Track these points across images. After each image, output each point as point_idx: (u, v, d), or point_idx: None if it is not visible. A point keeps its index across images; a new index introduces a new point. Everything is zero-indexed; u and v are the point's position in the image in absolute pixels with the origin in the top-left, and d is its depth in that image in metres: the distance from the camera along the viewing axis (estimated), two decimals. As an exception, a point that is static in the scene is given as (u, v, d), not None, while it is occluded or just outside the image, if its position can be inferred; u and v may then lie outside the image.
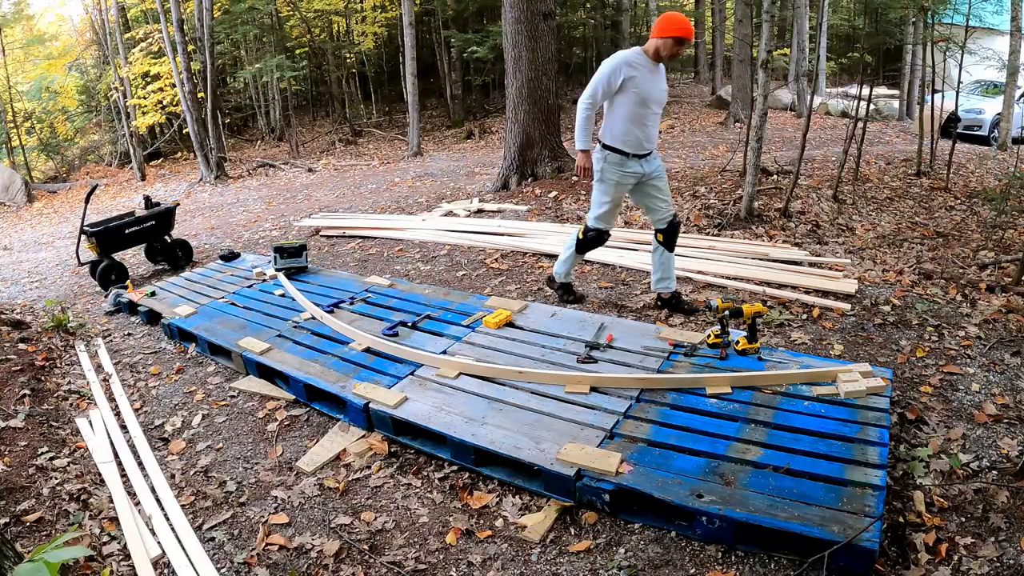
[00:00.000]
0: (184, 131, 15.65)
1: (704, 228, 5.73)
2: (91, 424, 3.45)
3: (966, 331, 3.68)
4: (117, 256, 6.07)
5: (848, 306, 4.05)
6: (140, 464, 3.06)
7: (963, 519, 2.33)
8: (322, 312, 4.22)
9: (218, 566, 2.41)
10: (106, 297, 5.56)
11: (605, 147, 3.81)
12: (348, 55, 19.74)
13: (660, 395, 2.98)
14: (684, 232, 5.67)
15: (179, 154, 18.48)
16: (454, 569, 2.34)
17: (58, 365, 4.29)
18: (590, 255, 5.22)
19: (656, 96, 3.72)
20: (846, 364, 3.02)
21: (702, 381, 3.01)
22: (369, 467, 2.94)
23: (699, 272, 4.71)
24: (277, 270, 5.22)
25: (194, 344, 4.35)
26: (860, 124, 7.27)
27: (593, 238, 4.05)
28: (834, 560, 2.05)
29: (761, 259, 4.89)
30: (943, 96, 8.86)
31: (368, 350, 3.69)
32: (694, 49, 22.98)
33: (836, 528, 2.09)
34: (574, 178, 7.48)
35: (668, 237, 3.96)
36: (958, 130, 9.18)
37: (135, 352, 4.50)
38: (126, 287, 5.50)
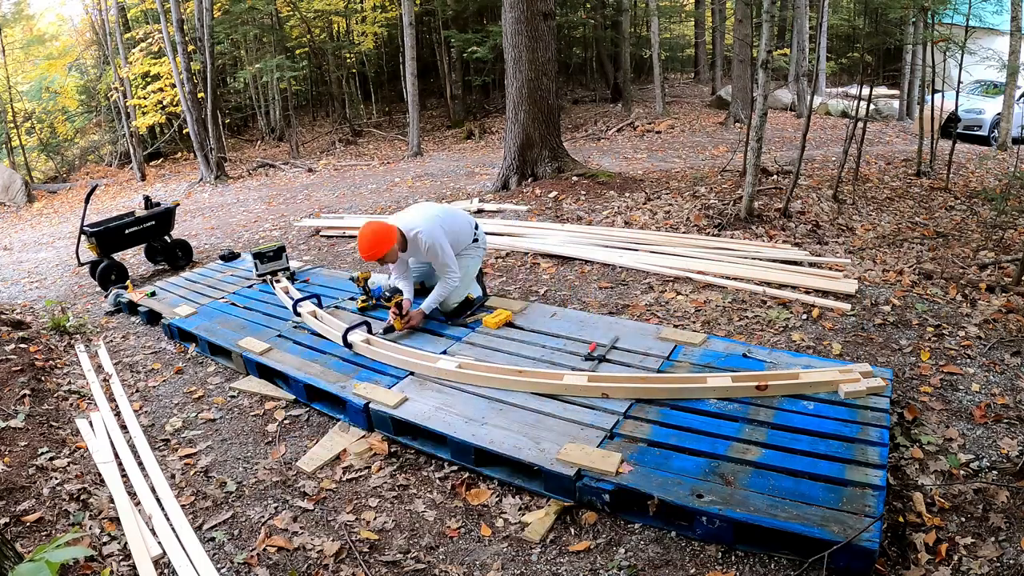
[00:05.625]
0: (184, 131, 15.65)
1: (704, 228, 5.73)
2: (91, 424, 3.45)
3: (966, 331, 3.68)
4: (117, 256, 6.07)
5: (848, 306, 4.05)
6: (140, 464, 3.07)
7: (963, 519, 2.33)
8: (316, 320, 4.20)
9: (218, 566, 2.41)
10: (106, 297, 5.56)
11: None
12: (348, 55, 19.72)
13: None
14: (684, 232, 5.67)
15: (179, 154, 18.47)
16: (454, 569, 2.34)
17: (58, 365, 4.29)
18: (591, 255, 5.20)
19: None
20: (846, 364, 3.02)
21: (702, 387, 3.01)
22: (369, 467, 2.94)
23: (699, 272, 4.71)
24: (259, 276, 5.18)
25: (194, 344, 4.35)
26: (860, 124, 7.27)
27: None
28: (834, 560, 2.06)
29: (761, 259, 4.89)
30: (943, 96, 8.86)
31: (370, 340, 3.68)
32: (694, 49, 22.99)
33: (836, 528, 2.10)
34: (574, 178, 7.49)
35: None
36: (958, 130, 9.17)
37: (135, 352, 4.50)
38: (126, 287, 5.50)
